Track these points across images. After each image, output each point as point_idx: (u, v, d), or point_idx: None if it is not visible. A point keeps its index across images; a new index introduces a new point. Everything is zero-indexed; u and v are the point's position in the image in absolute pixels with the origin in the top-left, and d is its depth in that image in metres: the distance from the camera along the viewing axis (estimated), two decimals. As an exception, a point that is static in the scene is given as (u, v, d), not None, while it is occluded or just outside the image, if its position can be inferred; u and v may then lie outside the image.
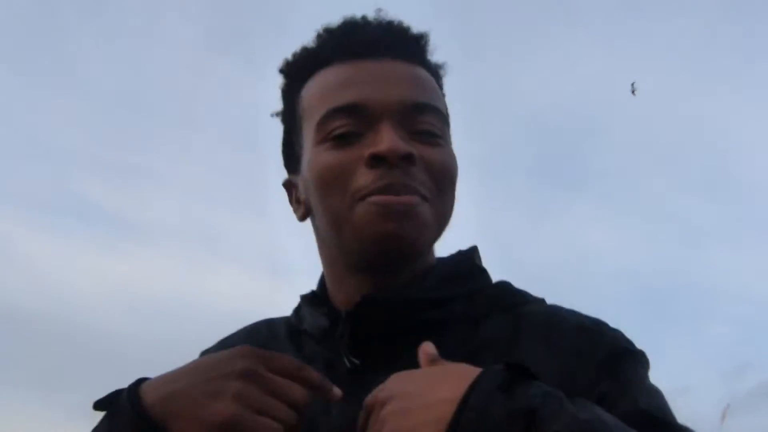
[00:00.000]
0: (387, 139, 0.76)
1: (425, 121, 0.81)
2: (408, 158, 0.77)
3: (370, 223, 0.77)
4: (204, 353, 0.91)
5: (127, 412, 0.69)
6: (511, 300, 0.84)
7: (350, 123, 0.79)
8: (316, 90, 0.83)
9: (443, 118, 0.84)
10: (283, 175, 0.92)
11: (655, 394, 0.75)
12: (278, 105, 0.91)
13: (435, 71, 0.88)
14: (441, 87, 0.88)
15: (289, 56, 0.88)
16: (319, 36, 0.87)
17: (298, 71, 0.87)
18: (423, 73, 0.85)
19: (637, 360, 0.79)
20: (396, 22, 0.86)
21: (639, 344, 0.82)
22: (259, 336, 0.90)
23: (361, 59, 0.82)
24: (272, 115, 0.91)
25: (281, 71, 0.89)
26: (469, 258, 0.87)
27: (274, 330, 0.90)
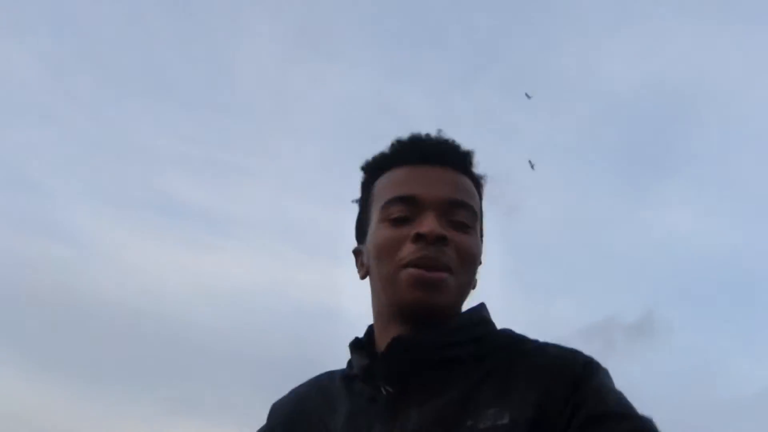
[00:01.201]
0: (428, 223, 1.03)
1: (460, 214, 1.07)
2: (442, 239, 1.03)
3: (407, 289, 1.02)
4: (275, 404, 1.19)
5: None
6: (508, 341, 1.07)
7: (405, 209, 1.05)
8: (385, 183, 1.10)
9: (474, 214, 1.09)
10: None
11: (621, 396, 0.97)
12: (357, 193, 1.18)
13: (475, 179, 1.13)
14: (480, 193, 1.14)
15: (369, 158, 1.15)
16: (392, 145, 1.13)
17: (374, 170, 1.14)
18: (464, 179, 1.10)
19: (604, 373, 1.00)
20: (449, 140, 1.13)
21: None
22: (321, 384, 1.15)
23: (419, 165, 1.09)
24: (352, 202, 1.18)
25: (362, 168, 1.16)
26: (478, 312, 1.10)
27: (333, 378, 1.14)
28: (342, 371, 1.15)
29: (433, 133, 1.14)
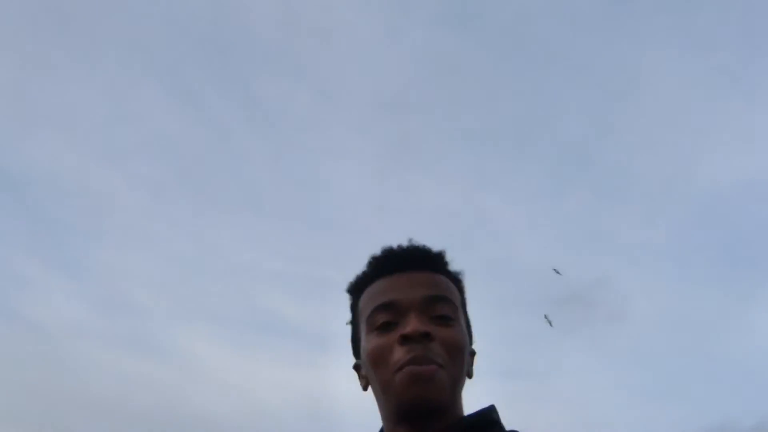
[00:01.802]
0: (411, 323, 1.08)
1: (439, 308, 1.12)
2: (426, 336, 1.08)
3: (404, 388, 1.06)
4: None
5: None
6: None
7: (388, 315, 1.11)
8: (367, 297, 1.17)
9: (454, 306, 1.14)
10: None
11: None
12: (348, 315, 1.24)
13: (452, 276, 1.20)
14: (459, 287, 1.20)
15: (351, 279, 1.22)
16: (369, 262, 1.20)
17: (356, 289, 1.21)
18: (439, 277, 1.17)
19: None
20: (420, 246, 1.20)
21: None
22: None
23: (395, 274, 1.16)
24: (346, 324, 1.23)
25: (347, 291, 1.22)
26: (486, 414, 1.12)
27: None
28: None
29: (405, 243, 1.21)
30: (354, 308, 1.22)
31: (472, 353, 1.18)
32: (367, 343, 1.14)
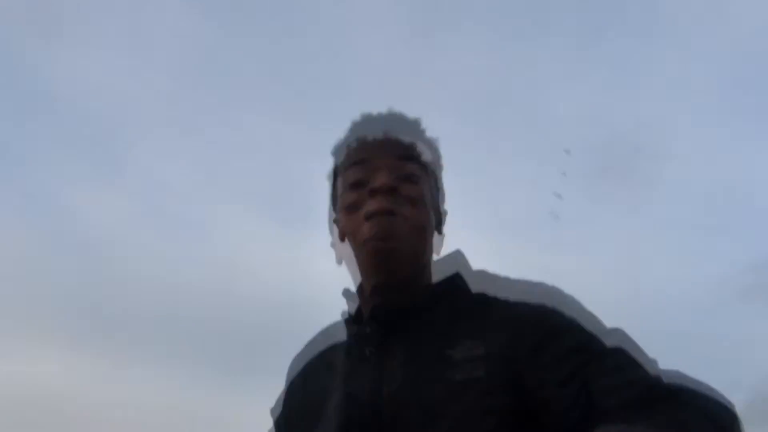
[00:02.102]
0: (379, 178, 1.17)
1: (407, 168, 1.20)
2: (393, 189, 1.16)
3: (369, 237, 1.15)
4: (292, 362, 1.33)
5: None
6: (481, 298, 1.16)
7: (360, 172, 1.20)
8: (344, 157, 1.25)
9: (424, 168, 1.22)
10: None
11: (590, 335, 1.07)
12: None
13: (424, 141, 1.26)
14: (432, 151, 1.27)
15: (336, 142, 1.29)
16: (351, 127, 1.28)
17: (335, 155, 1.28)
18: (411, 145, 1.23)
19: (572, 318, 1.09)
20: (397, 113, 1.27)
21: None
22: (325, 348, 1.28)
23: (369, 136, 1.24)
24: (327, 178, 1.31)
25: (332, 153, 1.29)
26: (453, 279, 1.21)
27: (336, 339, 1.27)
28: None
29: (384, 110, 1.28)
30: (335, 168, 1.30)
31: (444, 212, 1.27)
32: (342, 197, 1.23)
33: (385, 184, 1.16)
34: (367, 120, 1.28)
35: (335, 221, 1.28)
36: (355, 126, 1.28)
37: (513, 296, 1.14)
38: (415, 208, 1.17)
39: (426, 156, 1.24)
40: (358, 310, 1.24)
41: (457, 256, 1.25)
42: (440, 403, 1.05)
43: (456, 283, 1.21)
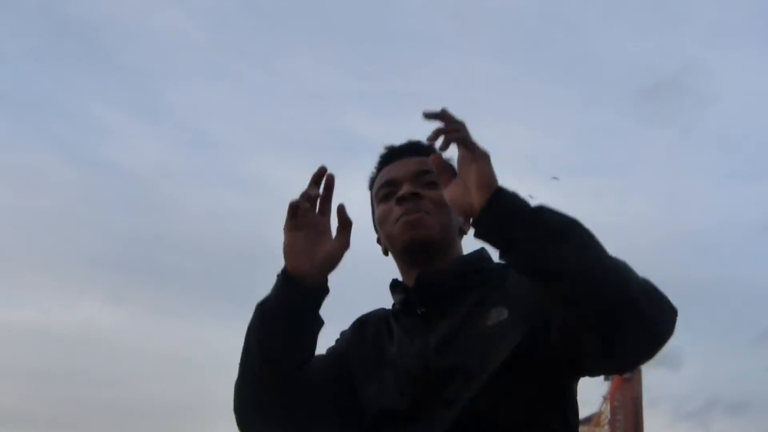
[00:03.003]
0: (403, 189, 1.41)
1: (427, 178, 1.43)
2: (416, 194, 1.40)
3: (401, 234, 1.40)
4: (362, 319, 1.53)
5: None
6: (505, 268, 1.34)
7: (388, 190, 1.45)
8: (376, 183, 1.50)
9: (440, 178, 1.37)
10: None
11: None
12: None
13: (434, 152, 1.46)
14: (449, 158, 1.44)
15: (371, 171, 1.55)
16: (378, 160, 1.53)
17: (371, 183, 1.54)
18: (426, 159, 1.40)
19: None
20: (413, 141, 1.50)
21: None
22: (381, 316, 1.50)
23: (393, 161, 1.49)
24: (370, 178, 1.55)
25: (368, 187, 1.54)
26: (477, 253, 1.45)
27: (387, 313, 1.49)
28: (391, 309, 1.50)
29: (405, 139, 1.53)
30: (371, 190, 1.54)
31: (467, 225, 1.45)
32: (376, 210, 1.47)
33: (408, 191, 1.40)
34: (389, 148, 1.52)
35: (378, 240, 1.53)
36: (381, 157, 1.53)
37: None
38: (438, 207, 1.40)
39: (447, 161, 1.39)
40: (403, 287, 1.45)
41: (481, 251, 1.46)
42: (475, 348, 1.28)
43: (483, 255, 1.45)
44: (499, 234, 1.18)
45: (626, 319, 1.10)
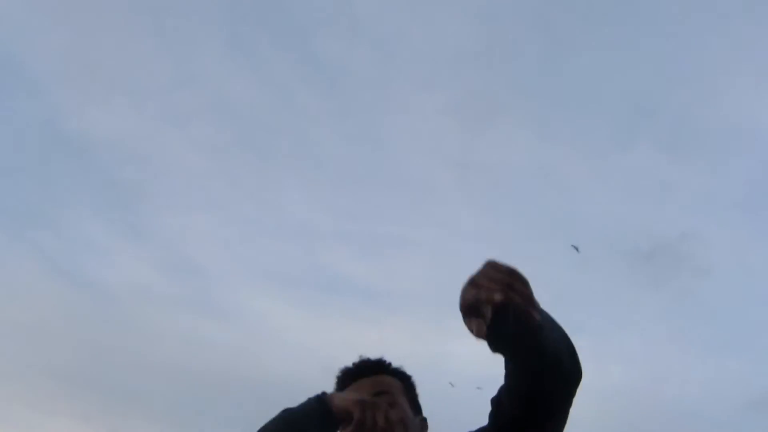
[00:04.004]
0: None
1: (384, 399, 1.61)
2: (375, 404, 1.50)
3: None
4: None
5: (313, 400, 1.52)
6: None
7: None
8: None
9: (396, 396, 1.69)
10: None
11: None
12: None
13: (396, 373, 1.77)
14: (402, 379, 1.77)
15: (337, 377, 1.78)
16: (341, 375, 1.77)
17: (338, 386, 1.77)
18: (383, 378, 1.73)
19: None
20: (369, 360, 1.78)
21: None
22: None
23: (355, 381, 1.73)
24: None
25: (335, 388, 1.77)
26: None
27: None
28: None
29: (361, 358, 1.78)
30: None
31: (424, 420, 1.75)
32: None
33: (367, 402, 1.50)
34: (350, 369, 1.75)
35: None
36: (344, 374, 1.75)
37: None
38: (396, 412, 1.59)
39: (395, 385, 1.72)
40: None
41: None
42: None
43: None
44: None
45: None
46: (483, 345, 1.26)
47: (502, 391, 1.41)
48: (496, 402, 1.44)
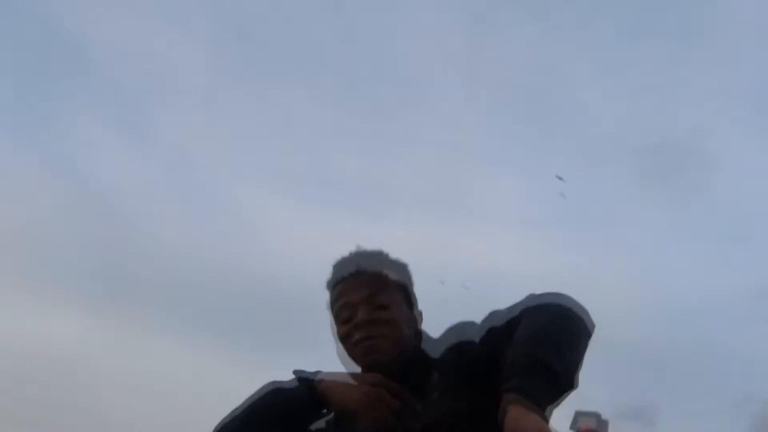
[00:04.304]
0: (359, 315, 1.60)
1: (379, 299, 1.63)
2: (369, 322, 1.60)
3: (362, 359, 1.61)
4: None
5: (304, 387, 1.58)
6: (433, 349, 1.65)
7: (345, 311, 1.64)
8: (333, 298, 1.69)
9: (390, 294, 1.65)
10: None
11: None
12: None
13: (392, 267, 1.70)
14: (399, 274, 1.71)
15: (327, 280, 1.72)
16: (332, 270, 1.71)
17: (329, 289, 1.72)
18: (376, 276, 1.67)
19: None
20: (364, 253, 1.71)
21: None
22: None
23: (347, 278, 1.67)
24: (326, 287, 1.73)
25: (326, 287, 1.73)
26: (416, 350, 1.66)
27: None
28: None
29: (354, 250, 1.72)
30: (330, 302, 1.72)
31: (419, 314, 1.71)
32: (338, 329, 1.66)
33: (363, 319, 1.60)
34: (343, 263, 1.70)
35: (334, 333, 1.71)
36: (335, 270, 1.72)
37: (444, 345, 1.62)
38: (390, 326, 1.61)
39: (393, 279, 1.67)
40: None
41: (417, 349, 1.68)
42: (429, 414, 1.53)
43: (423, 355, 1.66)
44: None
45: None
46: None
47: (516, 341, 1.43)
48: (503, 334, 1.48)
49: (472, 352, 1.54)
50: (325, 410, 1.60)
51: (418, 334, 1.69)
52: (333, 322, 1.70)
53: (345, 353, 1.67)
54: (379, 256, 1.73)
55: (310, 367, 1.66)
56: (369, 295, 1.64)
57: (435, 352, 1.63)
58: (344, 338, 1.65)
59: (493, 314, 1.58)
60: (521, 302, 1.53)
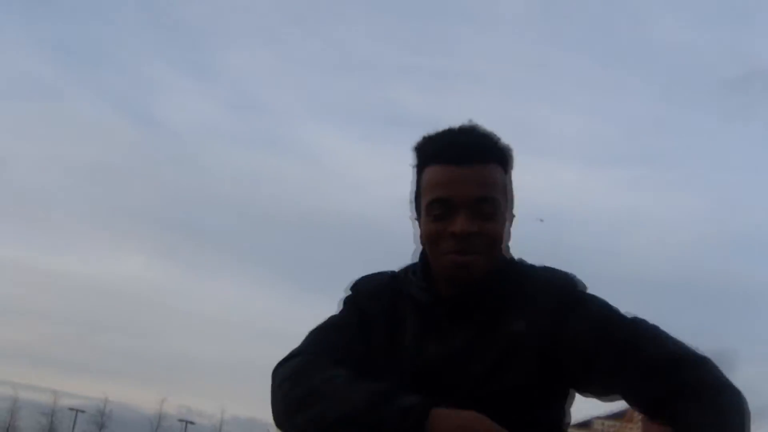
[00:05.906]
0: (460, 223, 1.37)
1: (485, 208, 1.39)
2: (470, 235, 1.37)
3: (449, 270, 1.41)
4: (361, 290, 1.54)
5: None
6: (519, 278, 1.45)
7: (442, 208, 1.39)
8: (428, 180, 1.43)
9: (497, 203, 1.40)
10: None
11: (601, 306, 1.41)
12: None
13: (502, 160, 1.44)
14: (507, 165, 1.45)
15: (419, 140, 1.47)
16: (435, 141, 1.45)
17: (419, 158, 1.47)
18: (489, 170, 1.41)
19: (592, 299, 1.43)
20: (478, 137, 1.43)
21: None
22: (394, 294, 1.50)
23: (453, 165, 1.40)
24: (411, 167, 1.49)
25: (414, 150, 1.48)
26: (504, 271, 1.46)
27: (401, 289, 1.50)
28: (393, 275, 1.55)
29: (465, 127, 1.44)
30: (418, 174, 1.47)
31: (513, 216, 1.47)
32: (424, 223, 1.44)
33: (465, 231, 1.37)
34: (456, 141, 1.42)
35: (416, 219, 1.50)
36: (439, 147, 1.44)
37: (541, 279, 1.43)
38: (489, 246, 1.41)
39: (500, 180, 1.42)
40: (429, 278, 1.47)
41: (504, 272, 1.45)
42: (488, 356, 1.37)
43: (506, 274, 1.45)
44: None
45: None
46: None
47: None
48: (636, 376, 1.32)
49: (575, 350, 1.34)
50: None
51: (510, 258, 1.48)
52: (420, 203, 1.45)
53: (424, 245, 1.45)
54: (496, 144, 1.44)
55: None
56: (477, 199, 1.38)
57: (528, 290, 1.42)
58: (431, 237, 1.41)
59: (619, 321, 1.36)
60: (659, 338, 1.33)
